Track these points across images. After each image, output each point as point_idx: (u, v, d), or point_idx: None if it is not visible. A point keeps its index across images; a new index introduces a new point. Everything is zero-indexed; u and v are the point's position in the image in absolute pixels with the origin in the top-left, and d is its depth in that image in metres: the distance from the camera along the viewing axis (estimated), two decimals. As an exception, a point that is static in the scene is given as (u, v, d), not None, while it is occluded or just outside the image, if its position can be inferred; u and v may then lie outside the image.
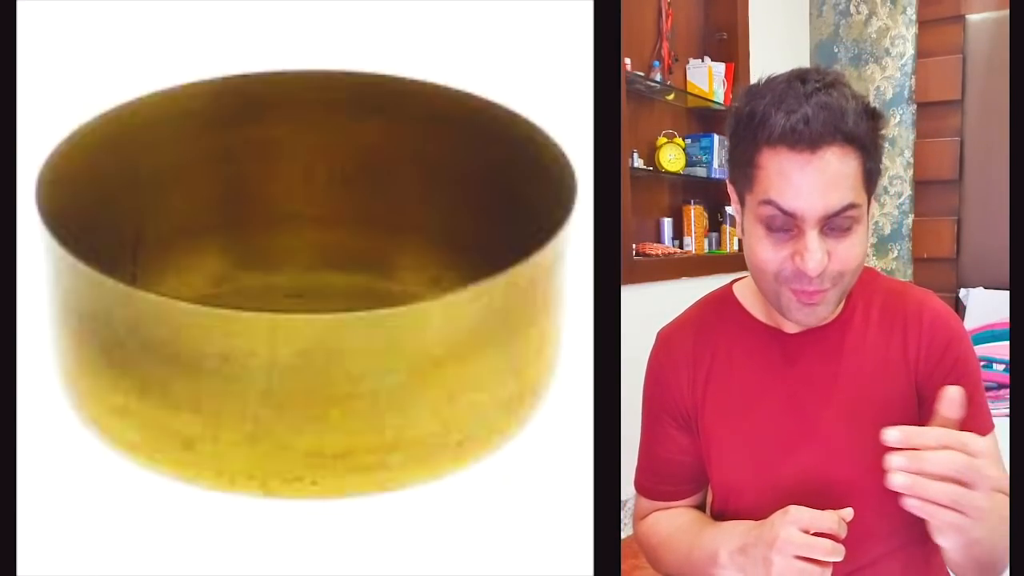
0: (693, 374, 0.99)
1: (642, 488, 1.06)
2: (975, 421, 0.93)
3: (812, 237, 0.82)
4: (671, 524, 1.01)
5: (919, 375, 0.93)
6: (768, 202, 0.82)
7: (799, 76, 0.83)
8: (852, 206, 0.82)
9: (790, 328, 0.95)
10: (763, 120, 0.81)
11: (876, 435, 0.92)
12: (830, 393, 0.93)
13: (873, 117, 0.84)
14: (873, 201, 0.88)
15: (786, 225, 0.83)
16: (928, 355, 0.93)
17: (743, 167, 0.86)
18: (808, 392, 0.94)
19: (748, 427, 0.95)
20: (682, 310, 1.06)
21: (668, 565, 1.00)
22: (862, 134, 0.82)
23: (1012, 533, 0.87)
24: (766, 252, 0.85)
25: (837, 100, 0.81)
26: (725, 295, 1.02)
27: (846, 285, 0.87)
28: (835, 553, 0.79)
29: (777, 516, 0.82)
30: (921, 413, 0.93)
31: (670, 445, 1.01)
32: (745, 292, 1.00)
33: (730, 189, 0.92)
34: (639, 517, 1.06)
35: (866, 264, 0.91)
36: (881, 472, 0.91)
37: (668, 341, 1.03)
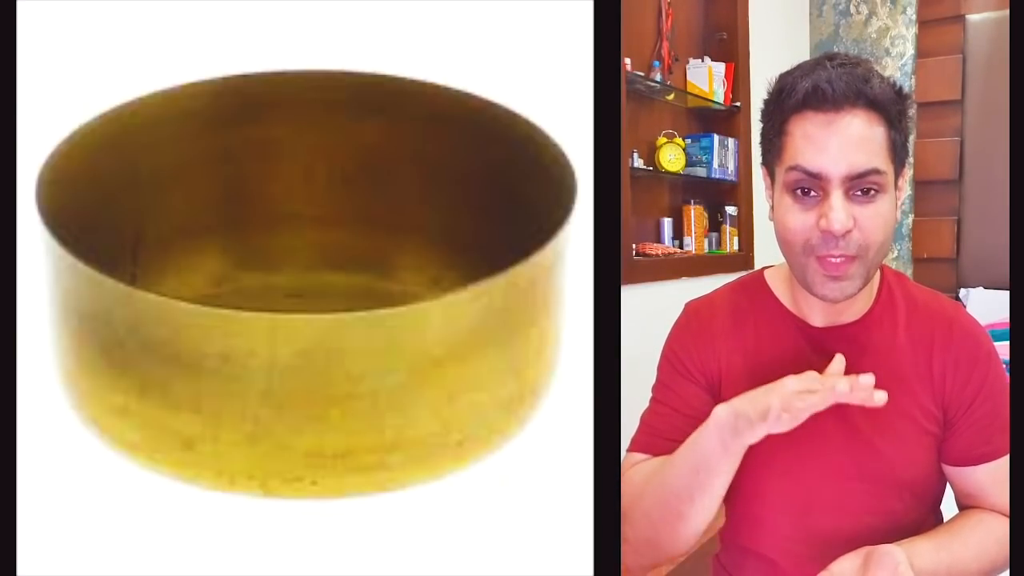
0: (722, 348, 0.98)
1: (641, 444, 0.99)
2: (991, 444, 0.92)
3: (837, 196, 0.83)
4: (660, 460, 0.94)
5: (945, 392, 0.92)
6: (795, 167, 0.84)
7: (827, 55, 0.87)
8: (877, 171, 0.83)
9: (817, 321, 0.95)
10: (790, 89, 0.85)
11: (886, 442, 0.92)
12: None
13: (899, 93, 0.86)
14: (902, 180, 0.89)
15: (812, 188, 0.84)
16: (955, 373, 0.92)
17: (772, 139, 0.88)
18: None
19: None
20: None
21: (648, 501, 0.91)
22: (887, 103, 0.84)
23: (1012, 534, 0.87)
24: (794, 220, 0.86)
25: (862, 71, 0.84)
26: (757, 281, 1.01)
27: (871, 262, 0.86)
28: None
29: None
30: (947, 431, 0.93)
31: (693, 401, 0.97)
32: (776, 280, 0.99)
33: (763, 173, 0.93)
34: (623, 472, 1.00)
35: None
36: (879, 481, 0.91)
37: (699, 314, 1.02)
